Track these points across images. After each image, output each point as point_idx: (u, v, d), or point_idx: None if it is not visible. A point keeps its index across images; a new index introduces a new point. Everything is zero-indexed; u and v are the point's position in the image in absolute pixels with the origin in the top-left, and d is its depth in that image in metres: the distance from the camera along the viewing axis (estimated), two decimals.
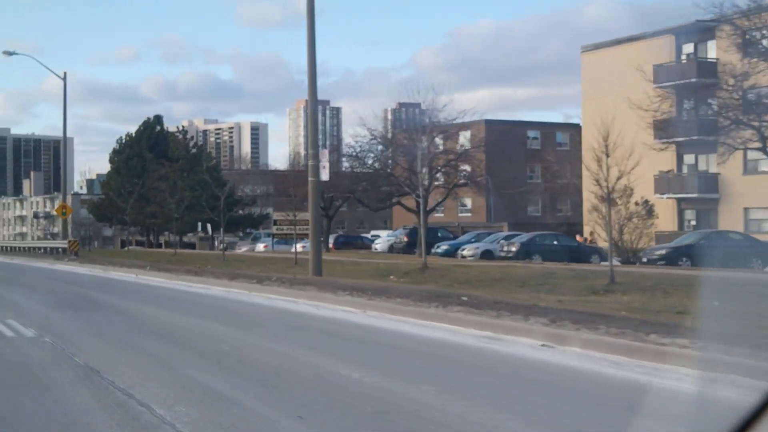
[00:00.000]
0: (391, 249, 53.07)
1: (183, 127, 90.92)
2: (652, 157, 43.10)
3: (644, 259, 34.85)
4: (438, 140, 49.11)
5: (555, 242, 42.88)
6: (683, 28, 49.18)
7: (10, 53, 54.90)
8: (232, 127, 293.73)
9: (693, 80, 47.31)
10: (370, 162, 55.31)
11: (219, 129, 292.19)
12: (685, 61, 50.43)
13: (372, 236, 67.72)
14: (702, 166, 51.79)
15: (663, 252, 35.11)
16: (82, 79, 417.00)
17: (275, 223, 39.94)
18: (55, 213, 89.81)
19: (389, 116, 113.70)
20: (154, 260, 40.50)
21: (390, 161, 53.18)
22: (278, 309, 18.51)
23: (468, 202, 71.52)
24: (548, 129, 79.00)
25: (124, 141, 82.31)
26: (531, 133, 78.13)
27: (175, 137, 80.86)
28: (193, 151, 79.85)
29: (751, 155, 45.01)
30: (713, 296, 16.49)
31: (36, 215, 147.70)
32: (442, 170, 50.20)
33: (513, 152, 72.60)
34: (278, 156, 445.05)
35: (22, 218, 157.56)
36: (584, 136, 53.20)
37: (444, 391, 8.59)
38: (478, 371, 10.17)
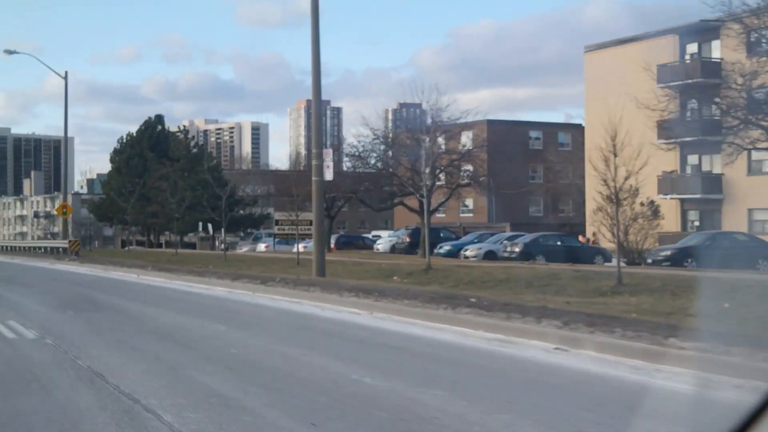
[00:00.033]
0: (393, 249, 52.77)
1: (184, 127, 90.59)
2: (655, 157, 42.84)
3: (649, 260, 34.56)
4: (441, 140, 48.84)
5: (558, 243, 42.59)
6: (687, 28, 48.99)
7: (11, 52, 54.63)
8: (232, 127, 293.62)
9: (697, 80, 47.08)
10: (372, 162, 55.04)
11: (220, 129, 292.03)
12: (689, 61, 50.21)
13: (373, 236, 67.33)
14: (706, 167, 51.58)
15: (668, 253, 34.83)
16: (82, 79, 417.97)
17: (277, 223, 39.72)
18: (55, 213, 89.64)
19: (390, 116, 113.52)
20: (155, 260, 40.26)
21: (392, 161, 52.88)
22: (283, 310, 18.26)
23: (470, 202, 71.28)
24: (550, 129, 78.73)
25: (125, 140, 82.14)
26: (533, 134, 77.83)
27: (176, 137, 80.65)
28: (194, 150, 79.71)
29: (756, 156, 44.80)
30: (722, 298, 16.21)
31: (36, 215, 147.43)
32: (445, 170, 49.95)
33: (515, 152, 72.26)
34: (279, 156, 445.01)
35: (22, 218, 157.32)
36: (587, 136, 53.10)
37: (459, 396, 8.34)
38: (493, 375, 9.91)
